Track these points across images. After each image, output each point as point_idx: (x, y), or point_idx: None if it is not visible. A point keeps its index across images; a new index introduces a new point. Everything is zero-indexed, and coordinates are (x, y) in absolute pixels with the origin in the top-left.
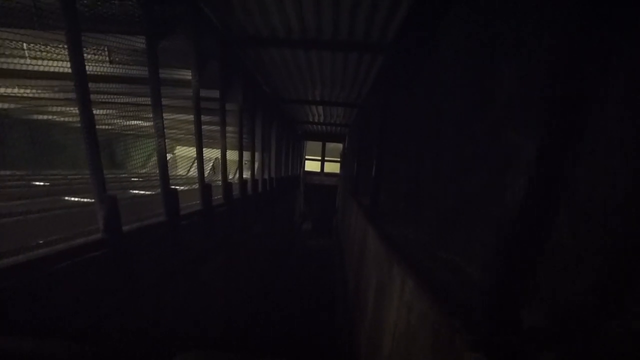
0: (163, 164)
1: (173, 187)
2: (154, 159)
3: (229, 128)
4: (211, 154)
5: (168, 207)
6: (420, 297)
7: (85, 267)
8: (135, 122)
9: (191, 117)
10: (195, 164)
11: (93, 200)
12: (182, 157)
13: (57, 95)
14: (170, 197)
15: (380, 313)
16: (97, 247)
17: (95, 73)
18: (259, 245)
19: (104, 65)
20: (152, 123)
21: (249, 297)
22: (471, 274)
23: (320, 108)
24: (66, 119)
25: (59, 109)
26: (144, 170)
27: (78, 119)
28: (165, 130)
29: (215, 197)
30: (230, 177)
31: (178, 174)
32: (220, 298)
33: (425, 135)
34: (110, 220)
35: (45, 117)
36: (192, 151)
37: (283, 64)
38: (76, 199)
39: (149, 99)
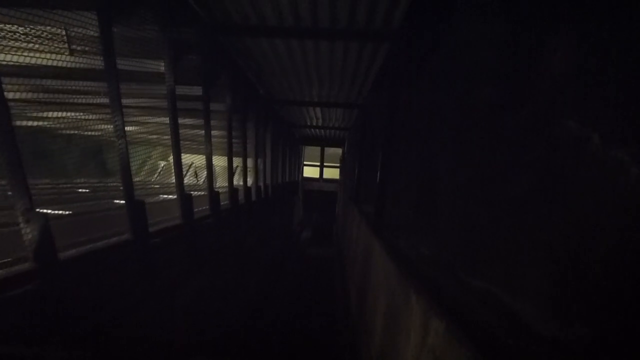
0: (126, 171)
1: (167, 196)
2: (147, 166)
3: (219, 132)
4: (202, 160)
5: (134, 222)
6: (456, 348)
7: (6, 308)
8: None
9: (186, 121)
10: (190, 171)
11: (70, 212)
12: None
13: (27, 97)
14: (136, 210)
15: (392, 346)
16: (23, 280)
17: (49, 65)
18: (252, 258)
19: (62, 56)
20: (151, 128)
21: (239, 318)
22: (521, 314)
23: (319, 110)
24: (48, 124)
25: (41, 113)
26: (137, 179)
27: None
28: (159, 136)
29: (204, 207)
30: (224, 184)
31: (172, 181)
32: (203, 323)
33: (440, 134)
34: (41, 246)
35: (28, 123)
36: (186, 158)
37: (275, 58)
38: (56, 212)
39: (144, 100)
